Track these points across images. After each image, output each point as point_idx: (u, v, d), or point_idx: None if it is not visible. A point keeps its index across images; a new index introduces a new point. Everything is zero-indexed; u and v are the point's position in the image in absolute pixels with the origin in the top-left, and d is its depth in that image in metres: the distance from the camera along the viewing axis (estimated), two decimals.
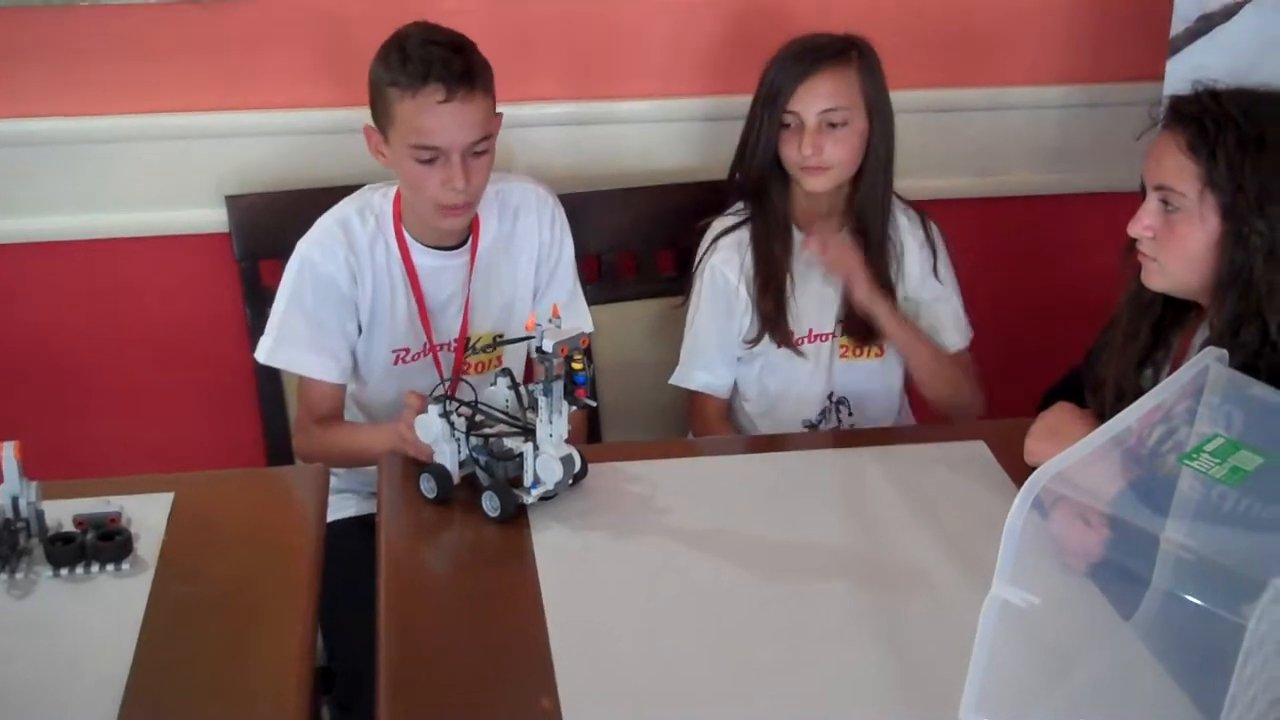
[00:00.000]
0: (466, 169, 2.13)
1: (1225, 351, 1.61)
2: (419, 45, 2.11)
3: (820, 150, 2.26)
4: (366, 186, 2.32)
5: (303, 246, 2.25)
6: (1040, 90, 2.77)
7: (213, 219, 2.57)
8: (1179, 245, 1.76)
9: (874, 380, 2.44)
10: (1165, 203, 1.78)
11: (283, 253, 2.31)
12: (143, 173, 2.57)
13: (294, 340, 2.25)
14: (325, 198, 2.34)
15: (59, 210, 2.57)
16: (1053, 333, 2.82)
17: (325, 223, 2.26)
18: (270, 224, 2.50)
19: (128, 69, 2.51)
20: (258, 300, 2.50)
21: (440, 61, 2.09)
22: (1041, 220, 2.87)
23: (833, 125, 2.26)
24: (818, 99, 2.26)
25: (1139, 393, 1.86)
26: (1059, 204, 2.85)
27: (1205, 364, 1.58)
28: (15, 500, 1.76)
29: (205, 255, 2.61)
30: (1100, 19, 2.73)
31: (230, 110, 2.57)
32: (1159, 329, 1.87)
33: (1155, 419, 1.61)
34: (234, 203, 2.54)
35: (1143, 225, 1.79)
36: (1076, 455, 1.37)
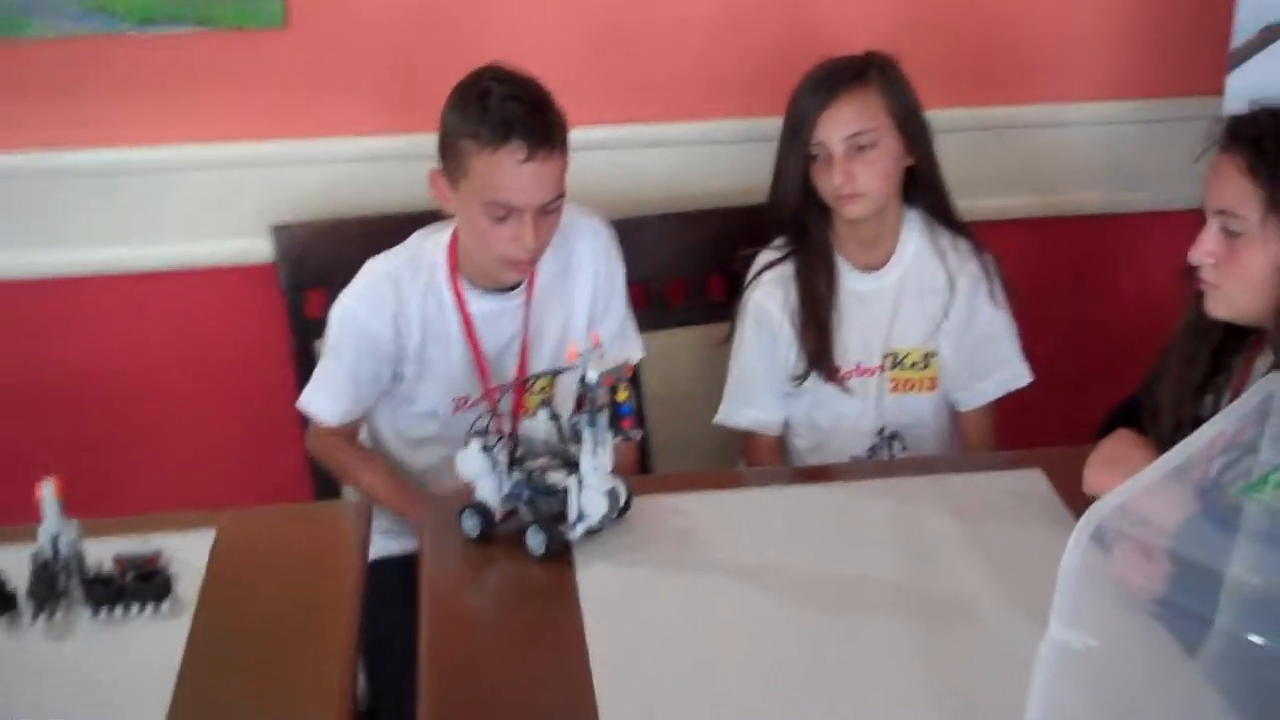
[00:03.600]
0: (537, 227, 2.10)
1: None
2: (501, 99, 2.05)
3: (852, 177, 2.21)
4: (418, 233, 2.28)
5: (348, 300, 2.22)
6: (1096, 106, 2.71)
7: (259, 249, 2.55)
8: (1241, 270, 1.70)
9: (925, 414, 2.38)
10: (1226, 227, 1.71)
11: (330, 283, 2.30)
12: (188, 204, 2.56)
13: (335, 393, 2.26)
14: (374, 226, 2.34)
15: (104, 243, 2.57)
16: (1112, 357, 2.76)
17: (373, 276, 2.23)
18: (317, 253, 2.49)
19: (172, 99, 2.51)
20: (304, 331, 2.49)
21: (522, 120, 2.04)
22: (1099, 240, 2.81)
23: (861, 149, 2.21)
24: (841, 125, 2.21)
25: (1198, 421, 1.81)
26: (1117, 224, 2.79)
27: (1269, 390, 1.51)
28: (55, 540, 1.74)
29: (251, 286, 2.60)
30: (1157, 31, 2.67)
31: (274, 139, 2.56)
32: (1218, 355, 1.81)
33: (1218, 448, 1.55)
34: (280, 232, 2.53)
35: (1204, 251, 1.73)
36: (1134, 489, 1.32)
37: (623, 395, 1.78)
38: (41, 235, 2.55)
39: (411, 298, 2.22)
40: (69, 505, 1.74)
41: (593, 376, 1.76)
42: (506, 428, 1.87)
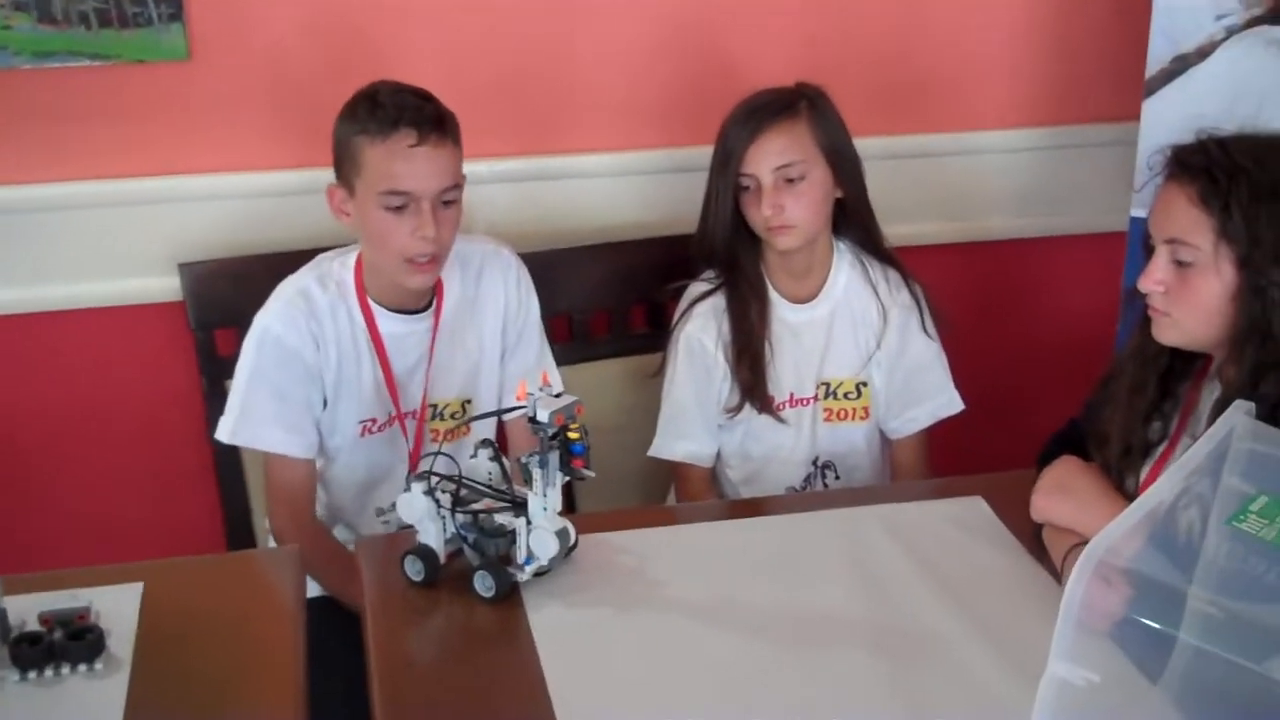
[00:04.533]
0: (437, 218, 2.08)
1: (1253, 405, 1.57)
2: (390, 94, 2.09)
3: (782, 209, 2.21)
4: (321, 255, 2.25)
5: (262, 319, 2.17)
6: (1011, 133, 2.75)
7: (165, 288, 2.47)
8: (1193, 299, 1.71)
9: (858, 443, 2.38)
10: (1177, 257, 1.73)
11: (240, 321, 2.23)
12: (89, 241, 2.48)
13: (258, 417, 2.17)
14: (284, 262, 2.27)
15: (3, 281, 2.47)
16: (1039, 378, 2.82)
17: (285, 293, 2.19)
18: (226, 291, 2.42)
19: (70, 134, 2.43)
20: (215, 371, 2.42)
21: (412, 108, 2.07)
22: (1020, 264, 2.85)
23: (790, 181, 2.21)
24: (770, 157, 2.20)
25: (1147, 446, 1.83)
26: (1036, 247, 2.83)
27: (1235, 420, 1.53)
28: None
29: (158, 325, 2.52)
30: (1071, 61, 2.72)
31: (178, 174, 2.49)
32: (1165, 381, 1.82)
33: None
34: (188, 270, 2.45)
35: (1154, 280, 1.74)
36: (1127, 524, 1.31)
37: (574, 435, 1.75)
38: None
39: (324, 313, 2.18)
40: None
41: (543, 416, 1.72)
42: (434, 463, 1.83)
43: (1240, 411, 1.55)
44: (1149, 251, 1.77)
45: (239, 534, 2.46)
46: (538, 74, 2.56)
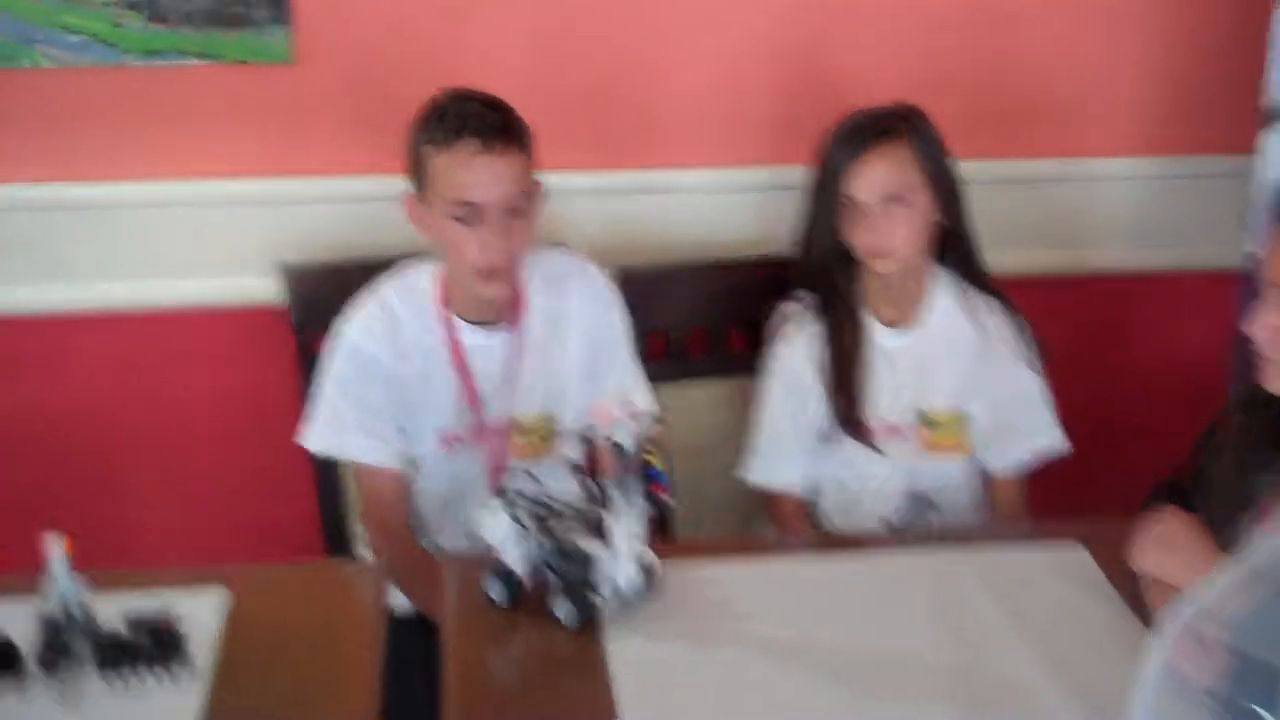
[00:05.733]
0: (504, 229, 2.07)
1: None
2: (455, 102, 2.09)
3: (884, 233, 2.17)
4: (404, 263, 2.25)
5: (343, 327, 2.19)
6: (1121, 161, 2.66)
7: (265, 289, 2.49)
8: None
9: (957, 477, 2.33)
10: None
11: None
12: (191, 240, 2.50)
13: (341, 424, 2.18)
14: (383, 266, 2.28)
15: (103, 279, 2.51)
16: (1144, 420, 2.73)
17: (364, 302, 2.20)
18: (326, 294, 2.39)
19: (175, 133, 2.46)
20: (313, 373, 2.41)
21: (476, 116, 2.06)
22: (1127, 299, 2.76)
23: (893, 204, 2.17)
24: (873, 179, 2.17)
25: (1252, 502, 1.76)
26: (1144, 282, 2.74)
27: None
28: (65, 599, 1.67)
29: (257, 326, 2.53)
30: (1186, 88, 2.63)
31: (280, 176, 2.50)
32: (1275, 431, 1.75)
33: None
34: (288, 272, 2.46)
35: (1264, 325, 1.67)
36: (1215, 590, 1.26)
37: (653, 459, 1.73)
38: (39, 271, 2.49)
39: (404, 323, 2.19)
40: (74, 558, 1.67)
41: (625, 440, 1.70)
42: (517, 479, 1.82)
43: None
44: (1261, 294, 1.70)
45: (336, 539, 2.46)
46: (637, 87, 2.54)
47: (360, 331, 2.17)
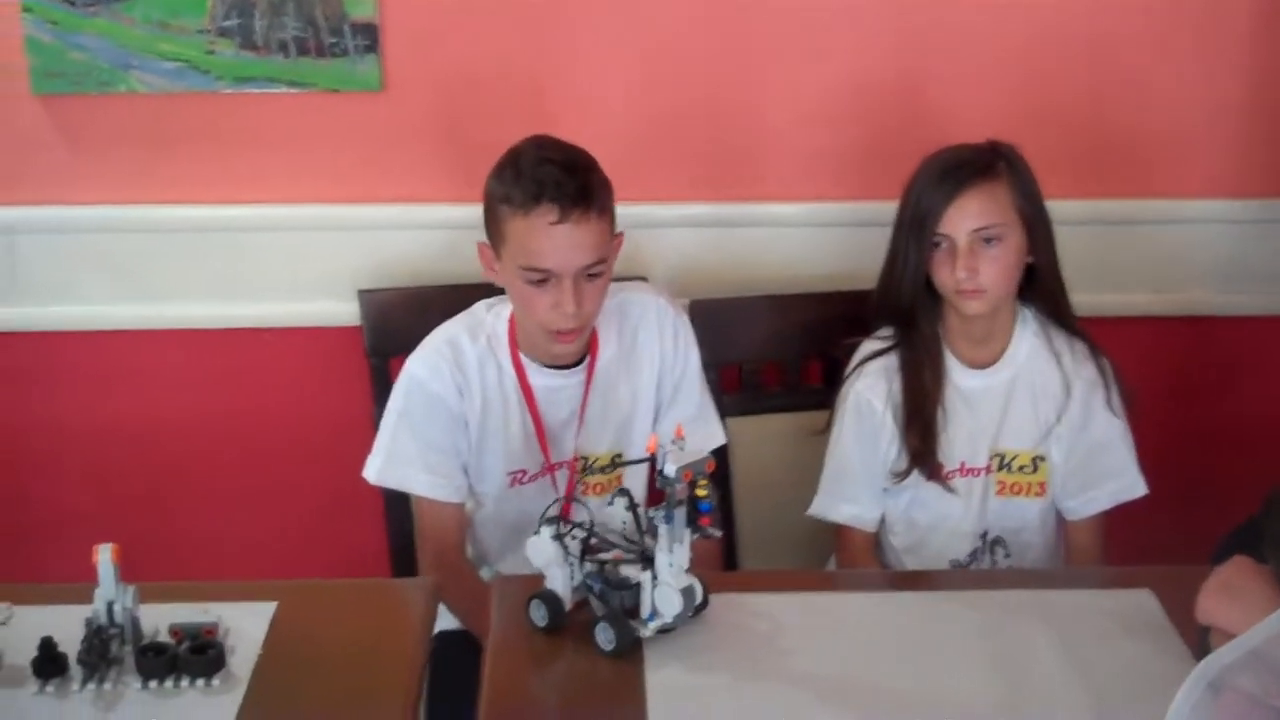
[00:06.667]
0: (578, 293, 2.05)
1: None
2: (533, 163, 2.04)
3: (976, 272, 2.12)
4: (479, 304, 2.25)
5: (410, 364, 2.20)
6: (1217, 204, 2.58)
7: (345, 313, 2.51)
8: None
9: (1032, 520, 2.26)
10: None
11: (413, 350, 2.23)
12: (277, 263, 2.54)
13: (403, 458, 2.19)
14: (461, 295, 2.30)
15: (186, 298, 2.56)
16: (1228, 469, 2.63)
17: (433, 340, 2.20)
18: (404, 320, 2.43)
19: (266, 157, 2.50)
20: (388, 399, 2.42)
21: (554, 182, 2.01)
22: (1214, 343, 2.68)
23: (986, 243, 2.12)
24: (968, 218, 2.12)
25: None
26: (1236, 326, 2.65)
27: None
28: (110, 605, 1.69)
29: (336, 349, 2.56)
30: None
31: (367, 203, 2.53)
32: None
33: None
34: (367, 297, 2.48)
35: None
36: (1258, 638, 1.19)
37: (702, 492, 1.69)
38: (129, 289, 2.55)
39: (471, 363, 2.18)
40: (134, 567, 1.69)
41: (671, 470, 1.67)
42: (575, 512, 1.80)
43: None
44: None
45: (402, 559, 2.46)
46: (727, 119, 2.52)
47: (428, 370, 2.17)
